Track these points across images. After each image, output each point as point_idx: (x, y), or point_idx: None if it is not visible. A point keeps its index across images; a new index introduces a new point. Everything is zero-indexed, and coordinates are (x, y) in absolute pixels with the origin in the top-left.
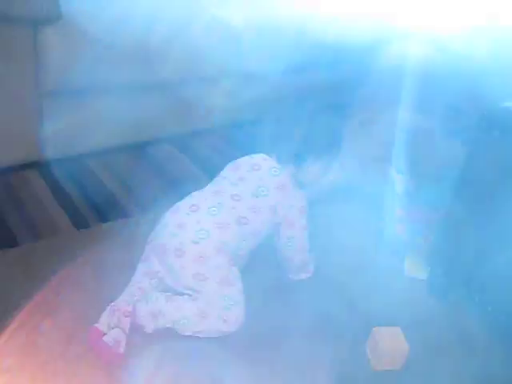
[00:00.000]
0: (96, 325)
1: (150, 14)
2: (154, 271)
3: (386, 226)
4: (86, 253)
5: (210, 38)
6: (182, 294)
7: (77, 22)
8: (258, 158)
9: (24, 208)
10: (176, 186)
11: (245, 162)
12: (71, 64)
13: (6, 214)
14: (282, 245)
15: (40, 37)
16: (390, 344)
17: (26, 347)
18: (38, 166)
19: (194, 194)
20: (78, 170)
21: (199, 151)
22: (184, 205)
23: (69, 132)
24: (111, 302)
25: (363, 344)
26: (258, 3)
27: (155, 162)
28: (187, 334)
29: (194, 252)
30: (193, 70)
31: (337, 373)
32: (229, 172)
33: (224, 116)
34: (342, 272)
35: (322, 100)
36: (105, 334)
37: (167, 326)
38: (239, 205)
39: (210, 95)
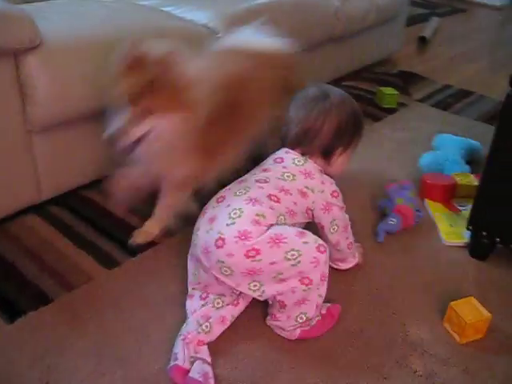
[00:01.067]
0: (175, 363)
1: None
2: (205, 284)
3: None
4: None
5: None
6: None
7: (59, 48)
8: (280, 152)
9: (40, 258)
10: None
11: (267, 159)
12: (58, 93)
13: (23, 268)
14: (327, 231)
15: (22, 67)
16: (473, 316)
17: None
18: (36, 208)
19: (220, 191)
20: (80, 205)
21: None
22: (211, 202)
23: (64, 166)
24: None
25: (440, 322)
26: None
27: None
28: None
29: (233, 233)
30: None
31: (427, 356)
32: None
33: None
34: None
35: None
36: (188, 370)
37: None
38: (266, 185)
39: None
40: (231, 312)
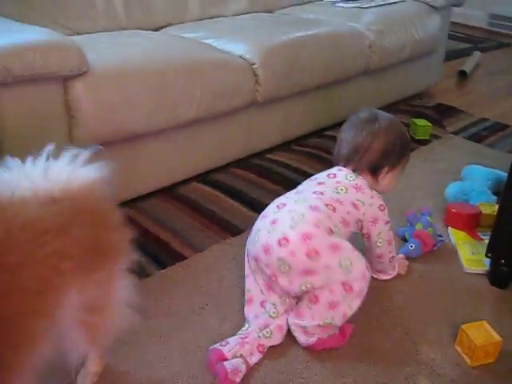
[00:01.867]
0: (220, 348)
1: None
2: (263, 286)
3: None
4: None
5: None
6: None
7: (104, 75)
8: (334, 169)
9: None
10: (219, 222)
11: (320, 174)
12: (102, 116)
13: None
14: (373, 243)
15: (70, 92)
16: (484, 338)
17: None
18: None
19: (277, 199)
20: None
21: (233, 186)
22: (270, 208)
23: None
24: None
25: (451, 344)
26: None
27: (189, 201)
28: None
29: (297, 234)
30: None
31: (435, 375)
32: (306, 182)
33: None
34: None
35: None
36: (226, 360)
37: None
38: (323, 197)
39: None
40: (285, 321)
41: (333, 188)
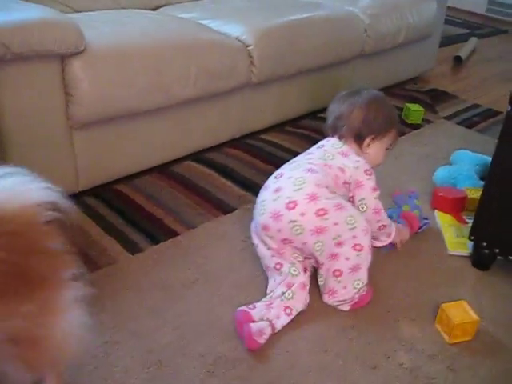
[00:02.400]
0: (249, 310)
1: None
2: (275, 252)
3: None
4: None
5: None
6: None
7: (101, 54)
8: (322, 141)
9: (71, 240)
10: (211, 200)
11: (312, 147)
12: (99, 94)
13: None
14: (356, 207)
15: (67, 70)
16: (462, 317)
17: None
18: (73, 198)
19: (274, 172)
20: (113, 197)
21: (226, 165)
22: (270, 180)
23: (100, 161)
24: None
25: (431, 322)
26: None
27: (183, 179)
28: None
29: (302, 196)
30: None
31: (414, 351)
32: (299, 155)
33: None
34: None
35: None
36: (253, 322)
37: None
38: (314, 161)
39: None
40: (306, 278)
41: (320, 155)
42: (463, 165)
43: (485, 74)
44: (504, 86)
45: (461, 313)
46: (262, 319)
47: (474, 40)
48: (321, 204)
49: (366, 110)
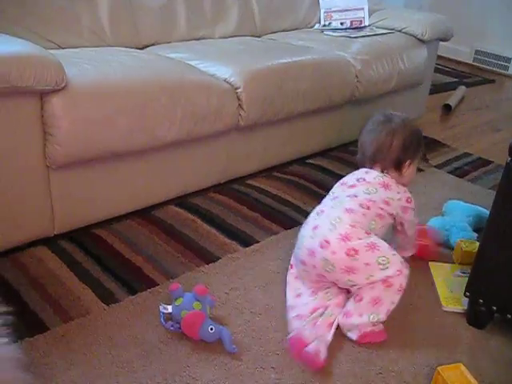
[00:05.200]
0: (300, 336)
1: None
2: (311, 285)
3: None
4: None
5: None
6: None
7: (83, 92)
8: (360, 173)
9: (44, 288)
10: (193, 248)
11: (349, 177)
12: (79, 134)
13: (25, 296)
14: (406, 229)
15: (46, 107)
16: (459, 382)
17: None
18: (48, 241)
19: (316, 207)
20: (90, 242)
21: (210, 211)
22: (311, 215)
23: (78, 203)
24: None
25: None
26: None
27: (165, 224)
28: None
29: (335, 236)
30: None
31: None
32: (337, 186)
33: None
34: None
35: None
36: (307, 345)
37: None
38: (357, 199)
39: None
40: (342, 300)
41: (364, 189)
42: (456, 215)
43: (474, 122)
44: (493, 135)
45: (459, 377)
46: (313, 340)
47: (462, 88)
48: (352, 244)
49: (403, 138)
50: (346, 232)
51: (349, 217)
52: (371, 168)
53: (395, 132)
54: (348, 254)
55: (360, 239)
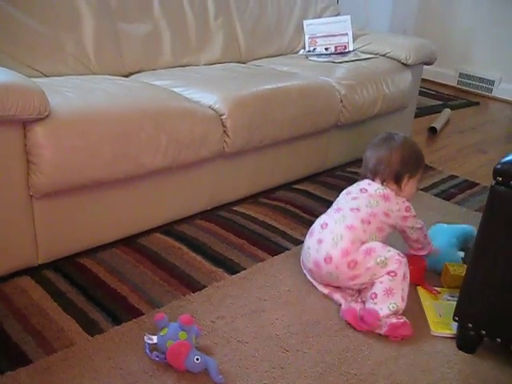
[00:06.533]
0: (351, 307)
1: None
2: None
3: None
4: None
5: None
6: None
7: (66, 120)
8: (364, 184)
9: (27, 320)
10: (179, 276)
11: (353, 188)
12: (62, 163)
13: (8, 328)
14: (408, 234)
15: (29, 136)
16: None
17: None
18: (30, 271)
19: (321, 216)
20: (75, 271)
21: (196, 238)
22: (316, 227)
23: (62, 232)
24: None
25: None
26: None
27: (150, 253)
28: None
29: (337, 251)
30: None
31: None
32: (342, 196)
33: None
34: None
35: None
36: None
37: None
38: (359, 214)
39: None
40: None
41: (366, 202)
42: (441, 239)
43: (459, 145)
44: (479, 157)
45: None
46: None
47: (447, 111)
48: (350, 257)
49: (403, 152)
50: (346, 248)
51: (350, 234)
52: (373, 180)
53: (395, 147)
54: (349, 267)
55: (358, 251)
